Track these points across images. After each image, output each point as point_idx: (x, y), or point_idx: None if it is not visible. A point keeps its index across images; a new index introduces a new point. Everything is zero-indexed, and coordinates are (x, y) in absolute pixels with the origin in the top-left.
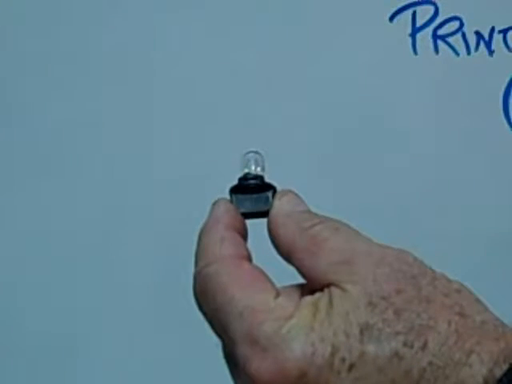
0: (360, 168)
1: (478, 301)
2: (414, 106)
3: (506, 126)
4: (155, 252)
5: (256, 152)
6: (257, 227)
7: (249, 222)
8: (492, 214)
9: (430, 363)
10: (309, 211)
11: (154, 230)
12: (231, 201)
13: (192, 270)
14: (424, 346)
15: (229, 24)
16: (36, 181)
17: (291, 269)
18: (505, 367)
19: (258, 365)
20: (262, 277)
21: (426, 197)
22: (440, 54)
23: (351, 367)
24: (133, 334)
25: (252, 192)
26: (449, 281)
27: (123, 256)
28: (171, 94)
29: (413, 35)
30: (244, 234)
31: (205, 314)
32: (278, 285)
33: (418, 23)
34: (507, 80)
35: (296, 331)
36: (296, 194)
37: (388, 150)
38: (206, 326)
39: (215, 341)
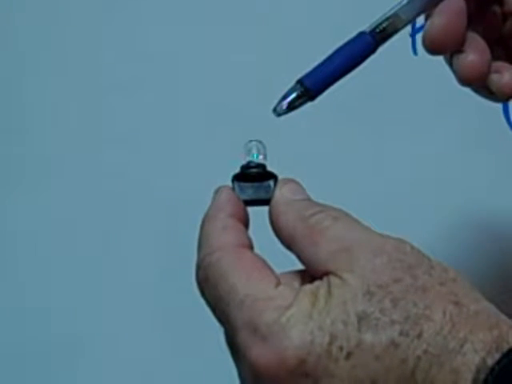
0: (360, 168)
1: (473, 290)
2: (413, 107)
3: (506, 126)
4: (158, 241)
5: (258, 141)
6: (259, 215)
7: (251, 209)
8: (492, 214)
9: (425, 352)
10: (309, 200)
11: (156, 221)
12: (233, 188)
13: (195, 258)
14: (419, 335)
15: (228, 22)
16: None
17: (292, 256)
18: (497, 356)
19: (258, 352)
20: (262, 265)
21: (426, 196)
22: None
23: (349, 355)
24: (137, 331)
25: (254, 180)
26: (445, 270)
27: (125, 247)
28: (170, 92)
29: (413, 35)
30: (246, 222)
31: (207, 301)
32: (279, 272)
33: (418, 23)
34: None
35: (295, 320)
36: (297, 183)
37: (388, 149)
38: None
39: (218, 326)
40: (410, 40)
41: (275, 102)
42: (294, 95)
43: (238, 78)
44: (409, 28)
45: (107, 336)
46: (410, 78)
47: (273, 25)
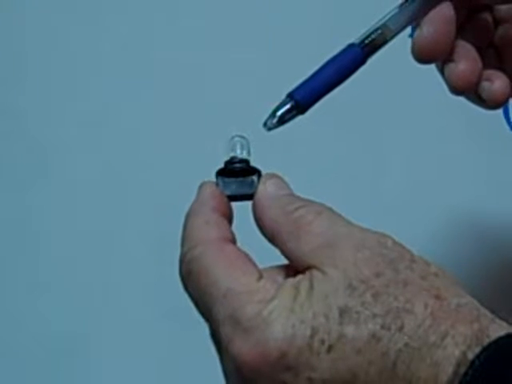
0: (358, 169)
1: (455, 284)
2: (413, 107)
3: (506, 126)
4: (156, 239)
5: (242, 136)
6: (243, 210)
7: (234, 204)
8: (491, 215)
9: (406, 345)
10: (293, 194)
11: (153, 218)
12: (217, 183)
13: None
14: (400, 328)
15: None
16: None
17: (276, 251)
18: (477, 350)
19: (240, 345)
20: (245, 259)
21: (426, 196)
22: None
23: (330, 348)
24: (137, 330)
25: (238, 175)
26: (427, 264)
27: (123, 245)
28: (169, 91)
29: (413, 35)
30: (229, 217)
31: (190, 295)
32: (262, 266)
33: None
34: None
35: (277, 313)
36: (281, 178)
37: (388, 150)
38: None
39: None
40: (407, 43)
41: (266, 116)
42: (284, 109)
43: (237, 76)
44: (407, 28)
45: (107, 335)
46: (408, 79)
47: (273, 22)
